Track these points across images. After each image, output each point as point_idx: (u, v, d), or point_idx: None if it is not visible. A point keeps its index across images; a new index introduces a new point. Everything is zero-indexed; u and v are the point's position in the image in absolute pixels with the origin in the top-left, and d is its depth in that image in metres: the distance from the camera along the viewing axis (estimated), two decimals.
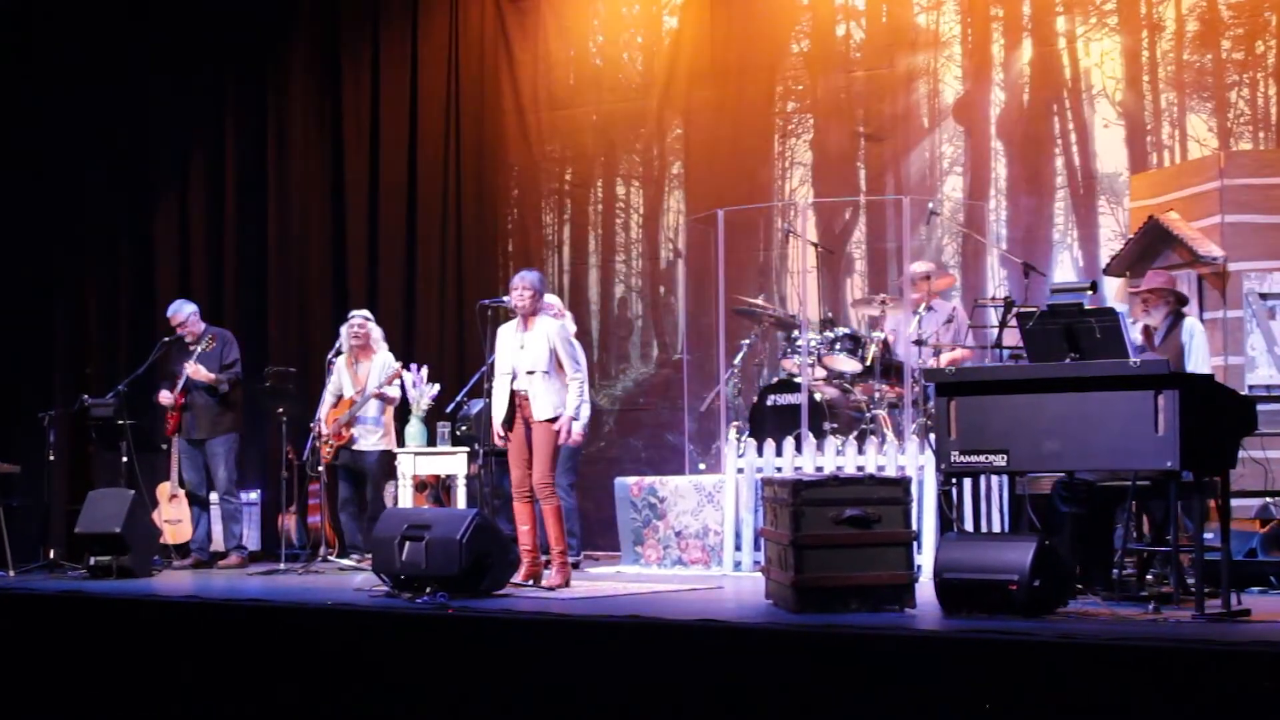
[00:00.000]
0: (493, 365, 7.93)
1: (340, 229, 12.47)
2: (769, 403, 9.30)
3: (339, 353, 9.69)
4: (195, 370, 9.73)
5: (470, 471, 9.16)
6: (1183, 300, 7.40)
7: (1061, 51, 10.37)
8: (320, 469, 9.67)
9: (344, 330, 9.70)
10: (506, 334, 7.83)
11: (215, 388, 9.77)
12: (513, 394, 7.72)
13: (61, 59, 12.47)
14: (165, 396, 9.85)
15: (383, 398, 9.58)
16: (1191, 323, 7.29)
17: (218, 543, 10.15)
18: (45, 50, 12.49)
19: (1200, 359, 7.12)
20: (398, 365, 9.63)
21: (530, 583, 7.61)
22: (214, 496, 10.04)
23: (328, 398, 9.70)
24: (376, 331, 9.75)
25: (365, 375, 9.63)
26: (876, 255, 10.86)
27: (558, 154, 12.24)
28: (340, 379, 9.70)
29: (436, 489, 10.10)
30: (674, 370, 11.14)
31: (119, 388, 10.09)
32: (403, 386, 9.66)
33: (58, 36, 12.48)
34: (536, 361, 7.65)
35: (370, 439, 9.61)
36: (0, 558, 9.63)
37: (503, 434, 7.75)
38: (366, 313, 9.86)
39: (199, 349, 9.79)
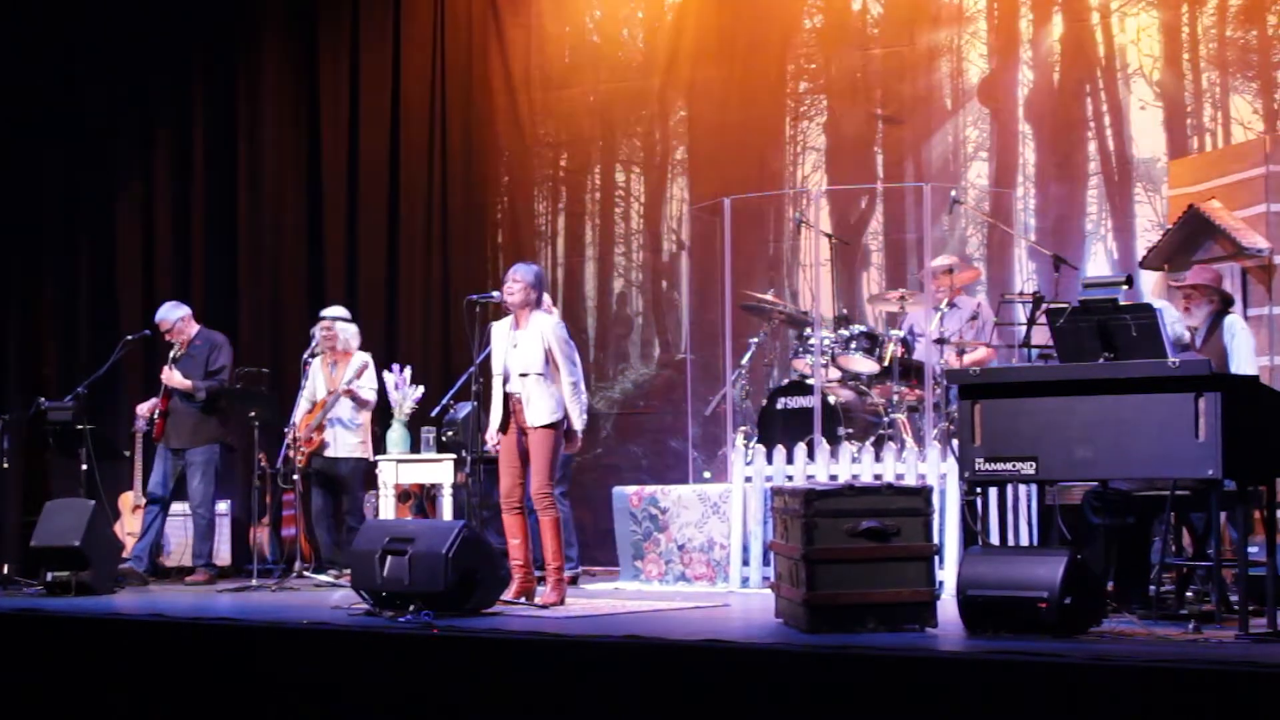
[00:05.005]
0: (481, 366, 7.94)
1: (316, 218, 12.47)
2: (779, 406, 9.31)
3: (314, 353, 9.70)
4: (169, 377, 9.71)
5: (457, 480, 9.16)
6: (1228, 299, 7.39)
7: (1095, 27, 10.37)
8: (295, 478, 9.67)
9: (316, 330, 9.71)
10: (500, 332, 7.83)
11: (194, 395, 9.75)
12: (506, 397, 7.73)
13: (13, 32, 12.45)
14: (148, 403, 9.85)
15: (354, 397, 9.57)
16: (1233, 320, 7.28)
17: (178, 557, 10.13)
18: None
19: (1244, 360, 7.11)
20: (367, 357, 9.63)
21: (522, 600, 7.62)
22: (180, 507, 10.01)
23: (303, 402, 9.70)
24: (347, 331, 9.74)
25: (339, 376, 9.64)
26: (895, 247, 10.87)
27: (552, 137, 12.24)
28: (315, 381, 9.71)
29: (420, 499, 10.10)
30: (677, 371, 11.15)
31: (78, 389, 10.09)
32: (384, 389, 9.66)
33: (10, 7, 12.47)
34: (531, 363, 7.64)
35: (344, 444, 9.61)
36: None
37: (494, 441, 7.76)
38: (339, 311, 9.84)
39: (171, 353, 9.78)
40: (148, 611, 7.83)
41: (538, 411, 7.62)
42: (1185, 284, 7.35)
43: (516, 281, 7.74)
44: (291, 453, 9.55)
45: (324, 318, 9.76)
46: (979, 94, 10.75)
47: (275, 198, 12.49)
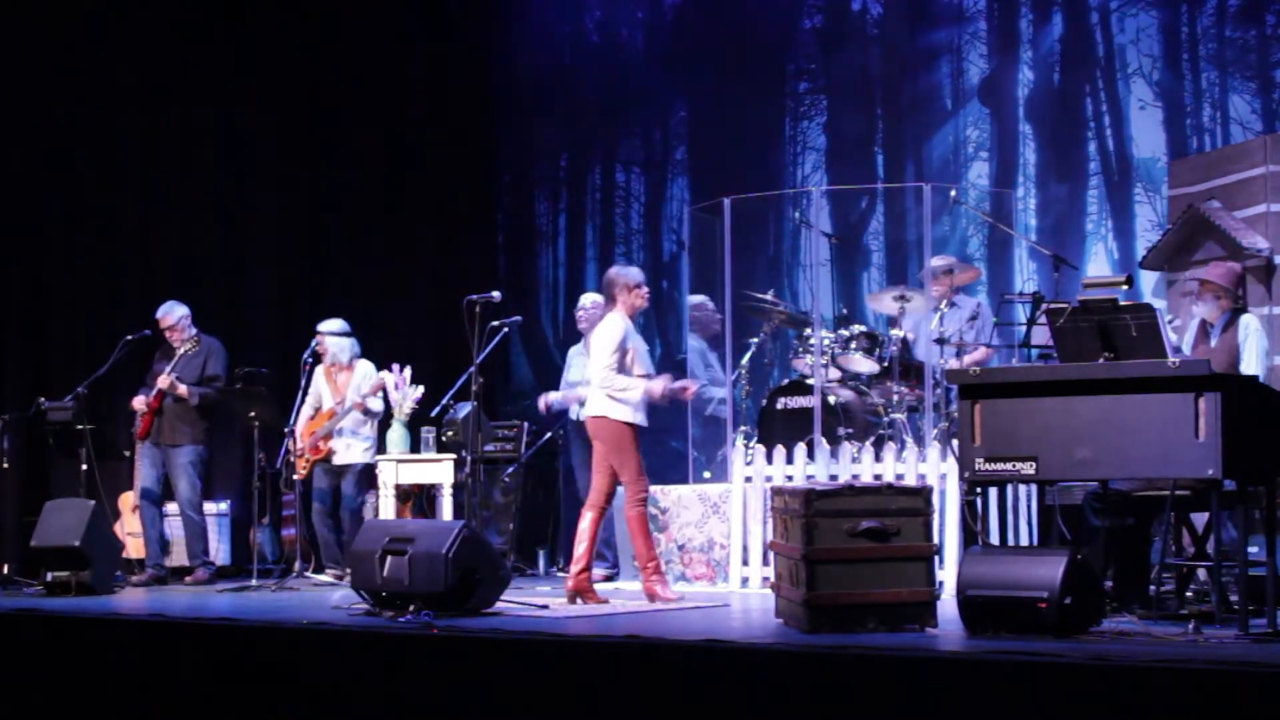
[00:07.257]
0: (482, 366, 7.98)
1: (317, 217, 12.46)
2: (779, 406, 9.30)
3: (316, 358, 9.70)
4: (168, 382, 9.66)
5: (456, 480, 9.16)
6: (1237, 300, 7.41)
7: (1095, 27, 10.38)
8: (295, 478, 9.69)
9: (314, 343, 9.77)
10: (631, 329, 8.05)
11: (188, 399, 9.72)
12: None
13: (14, 32, 12.43)
14: (139, 401, 9.81)
15: (366, 411, 9.62)
16: (1248, 319, 7.31)
17: (178, 556, 10.12)
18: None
19: (1255, 359, 7.15)
20: (380, 376, 9.64)
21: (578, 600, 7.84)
22: (172, 507, 10.00)
23: (306, 409, 9.71)
24: (337, 345, 9.73)
25: (345, 385, 9.66)
26: (895, 247, 10.87)
27: (552, 138, 12.24)
28: (319, 388, 9.73)
29: (420, 499, 10.10)
30: (677, 371, 11.14)
31: (78, 389, 10.06)
32: (385, 394, 9.68)
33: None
34: None
35: (352, 451, 9.63)
36: None
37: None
38: (335, 324, 9.83)
39: (178, 354, 9.74)
40: (148, 611, 7.83)
41: None
42: (1198, 276, 7.38)
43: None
44: (293, 458, 9.56)
45: (320, 328, 9.79)
46: (979, 94, 10.75)
47: (276, 197, 12.48)
